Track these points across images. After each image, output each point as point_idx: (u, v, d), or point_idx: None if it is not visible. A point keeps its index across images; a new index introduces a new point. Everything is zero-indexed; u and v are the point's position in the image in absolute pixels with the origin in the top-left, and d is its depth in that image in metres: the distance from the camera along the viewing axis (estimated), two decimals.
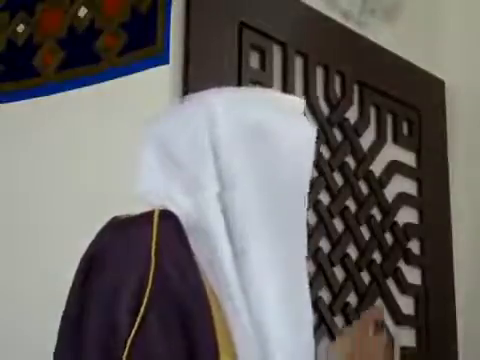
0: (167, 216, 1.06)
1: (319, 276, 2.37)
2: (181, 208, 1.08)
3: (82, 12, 2.21)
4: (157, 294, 0.98)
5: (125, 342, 0.96)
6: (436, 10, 3.01)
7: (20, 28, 2.30)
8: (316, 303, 2.35)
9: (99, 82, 2.12)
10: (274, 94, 1.30)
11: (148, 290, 0.98)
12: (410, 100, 2.82)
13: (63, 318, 1.04)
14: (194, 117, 1.16)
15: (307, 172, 1.16)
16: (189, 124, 1.14)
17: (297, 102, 1.24)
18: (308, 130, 1.17)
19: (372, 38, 2.69)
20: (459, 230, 2.85)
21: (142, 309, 0.96)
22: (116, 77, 2.10)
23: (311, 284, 2.31)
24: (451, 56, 2.97)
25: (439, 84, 2.94)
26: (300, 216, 1.15)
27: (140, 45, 2.09)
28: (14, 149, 2.24)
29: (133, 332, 0.96)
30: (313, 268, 2.37)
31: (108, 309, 0.99)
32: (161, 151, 1.14)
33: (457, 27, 2.99)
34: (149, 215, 1.05)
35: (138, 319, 0.96)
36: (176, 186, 1.10)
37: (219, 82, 2.17)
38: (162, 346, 0.97)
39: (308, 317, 1.10)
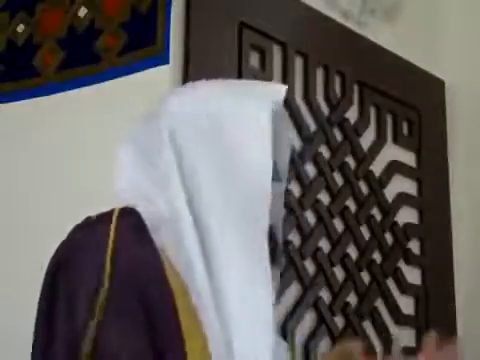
0: (127, 214, 1.09)
1: (319, 276, 2.37)
2: (155, 205, 1.11)
3: (82, 12, 2.21)
4: (115, 293, 1.00)
5: (87, 342, 0.99)
6: (436, 10, 3.01)
7: (20, 28, 2.30)
8: (316, 303, 2.35)
9: (99, 82, 2.12)
10: (245, 83, 1.30)
11: (106, 289, 1.00)
12: (410, 100, 2.82)
13: (36, 319, 1.07)
14: (155, 114, 1.19)
15: (266, 160, 1.12)
16: (155, 123, 1.17)
17: (271, 89, 1.22)
18: (263, 116, 1.13)
19: (372, 38, 2.69)
20: (459, 230, 2.85)
21: (99, 309, 0.99)
22: (116, 77, 2.10)
23: (311, 284, 2.33)
24: (451, 56, 2.97)
25: (439, 84, 2.94)
26: (263, 205, 1.10)
27: (140, 45, 2.09)
28: (14, 149, 2.24)
29: (94, 332, 0.98)
30: (313, 268, 2.37)
31: (71, 311, 1.01)
32: (136, 149, 1.17)
33: (457, 27, 2.99)
34: (110, 214, 1.09)
35: (96, 319, 0.98)
36: (150, 183, 1.13)
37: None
38: (125, 344, 0.98)
39: (268, 317, 1.09)
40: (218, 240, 1.09)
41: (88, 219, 1.13)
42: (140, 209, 1.11)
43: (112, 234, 1.05)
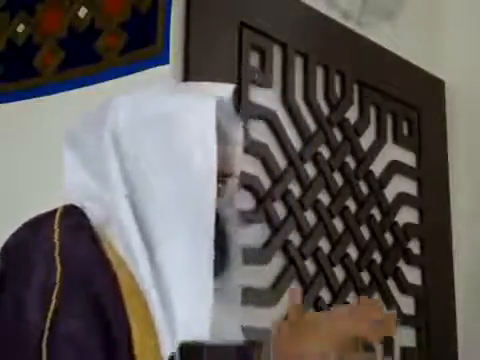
0: (69, 212, 1.15)
1: (319, 276, 2.37)
2: (100, 204, 1.16)
3: (82, 12, 2.21)
4: (66, 291, 1.05)
5: (40, 342, 1.02)
6: (436, 10, 3.01)
7: (20, 28, 2.30)
8: (316, 303, 2.35)
9: (99, 82, 2.12)
10: (191, 85, 1.35)
11: (57, 288, 1.05)
12: (410, 100, 2.82)
13: None
14: (99, 115, 1.22)
15: (210, 159, 1.16)
16: (95, 122, 1.22)
17: (216, 88, 1.26)
18: (207, 115, 1.17)
19: (372, 38, 2.69)
20: (459, 230, 2.85)
21: (52, 308, 1.03)
22: (116, 77, 2.10)
23: (311, 284, 2.33)
24: (451, 56, 2.97)
25: (439, 84, 2.95)
26: (207, 199, 1.15)
27: (140, 45, 2.09)
28: (14, 149, 2.24)
29: (47, 332, 1.02)
30: (313, 268, 2.37)
31: (17, 311, 1.05)
32: (81, 152, 1.23)
33: (457, 27, 2.99)
34: (53, 213, 1.15)
35: (49, 318, 1.03)
36: (94, 183, 1.18)
37: (219, 82, 2.17)
38: (78, 332, 1.04)
39: (208, 292, 1.15)
40: (162, 234, 1.14)
41: (34, 218, 1.18)
42: (86, 208, 1.17)
43: (56, 233, 1.10)
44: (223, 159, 1.20)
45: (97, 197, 1.17)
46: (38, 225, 1.15)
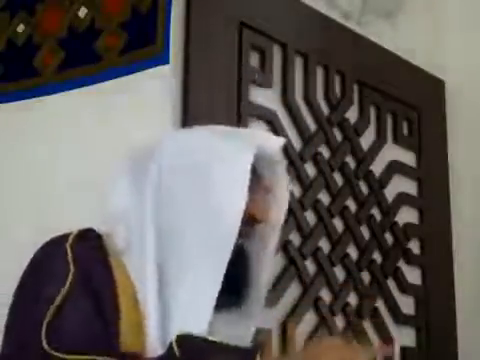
0: (84, 236, 1.29)
1: (319, 276, 2.37)
2: (128, 230, 1.29)
3: (82, 12, 2.21)
4: (74, 290, 1.21)
5: (42, 324, 1.19)
6: (436, 10, 3.01)
7: (20, 28, 2.30)
8: (316, 303, 2.35)
9: (99, 82, 2.12)
10: (235, 132, 1.42)
11: (66, 288, 1.21)
12: (410, 100, 2.82)
13: (10, 305, 1.28)
14: (150, 148, 1.34)
15: (238, 201, 1.26)
16: (145, 153, 1.34)
17: (258, 135, 1.40)
18: (242, 167, 1.27)
19: (372, 38, 2.69)
20: (459, 230, 2.85)
21: (59, 298, 1.20)
22: (116, 77, 2.10)
23: (311, 284, 2.33)
24: (451, 56, 2.97)
25: (439, 84, 2.95)
26: (227, 241, 1.25)
27: (140, 45, 2.09)
28: (14, 149, 2.24)
29: (50, 316, 1.19)
30: (313, 268, 2.37)
31: (36, 298, 1.23)
32: (130, 180, 1.33)
33: (457, 27, 2.99)
34: (68, 236, 1.29)
35: (55, 306, 1.20)
36: (131, 210, 1.30)
37: (219, 82, 2.17)
38: (78, 328, 1.19)
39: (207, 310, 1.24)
40: (177, 273, 1.26)
41: (53, 237, 1.32)
42: (110, 232, 1.31)
43: (69, 251, 1.25)
44: (256, 204, 1.30)
45: (128, 223, 1.29)
46: (58, 244, 1.28)
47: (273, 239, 1.39)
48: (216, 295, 1.23)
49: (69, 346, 1.15)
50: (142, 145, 1.36)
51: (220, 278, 1.23)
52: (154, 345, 1.22)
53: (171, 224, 1.26)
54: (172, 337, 1.17)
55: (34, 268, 1.28)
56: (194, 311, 1.23)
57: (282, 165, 1.39)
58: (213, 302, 1.23)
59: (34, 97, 2.22)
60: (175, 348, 1.14)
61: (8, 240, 2.16)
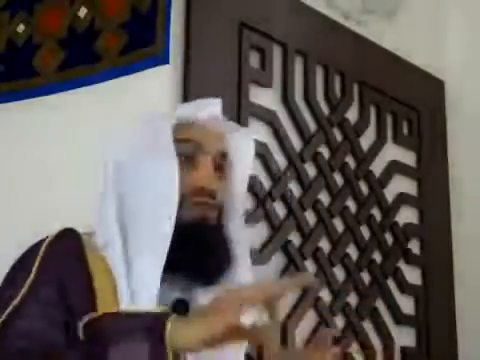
0: (62, 234, 1.34)
1: (319, 276, 2.37)
2: (107, 229, 1.35)
3: (82, 12, 2.21)
4: (36, 278, 1.27)
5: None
6: (436, 10, 3.01)
7: (20, 28, 2.30)
8: (316, 303, 2.35)
9: (99, 82, 2.12)
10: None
11: (30, 280, 1.27)
12: (410, 100, 2.82)
13: None
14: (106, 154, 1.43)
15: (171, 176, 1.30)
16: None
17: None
18: (162, 140, 1.33)
19: (372, 38, 2.69)
20: (459, 230, 2.85)
21: (20, 294, 1.25)
22: (116, 77, 2.10)
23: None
24: (451, 56, 2.97)
25: (439, 84, 2.95)
26: (165, 211, 1.30)
27: (140, 45, 2.09)
28: (14, 148, 2.23)
29: (11, 308, 1.24)
30: (313, 268, 2.37)
31: (9, 285, 1.31)
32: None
33: (457, 27, 2.99)
34: (48, 236, 1.35)
35: (17, 300, 1.25)
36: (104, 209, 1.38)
37: (219, 82, 2.17)
38: (37, 321, 1.23)
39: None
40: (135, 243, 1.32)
41: (40, 239, 1.37)
42: (97, 232, 1.36)
43: (44, 247, 1.31)
44: (201, 174, 1.33)
45: (104, 221, 1.35)
46: (39, 242, 1.34)
47: (238, 202, 1.40)
48: (159, 267, 1.26)
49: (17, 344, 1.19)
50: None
51: (162, 248, 1.26)
52: None
53: (129, 216, 1.32)
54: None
55: (11, 268, 1.34)
56: (144, 288, 1.27)
57: (237, 127, 1.43)
58: (157, 277, 1.26)
59: (34, 97, 2.22)
60: (80, 332, 1.16)
61: (10, 240, 2.16)
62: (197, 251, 1.29)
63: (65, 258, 1.30)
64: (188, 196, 1.31)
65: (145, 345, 1.08)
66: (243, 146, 1.42)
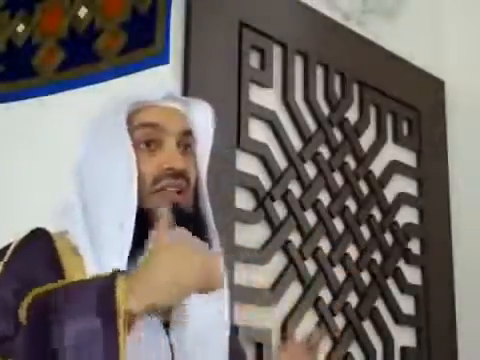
0: (33, 234, 1.29)
1: (319, 276, 2.37)
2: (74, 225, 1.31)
3: (82, 12, 2.21)
4: (5, 270, 1.22)
5: None
6: (436, 10, 3.01)
7: (20, 28, 2.31)
8: (316, 303, 2.35)
9: (99, 82, 2.12)
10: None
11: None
12: (410, 100, 2.82)
13: None
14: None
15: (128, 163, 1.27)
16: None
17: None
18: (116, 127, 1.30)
19: (372, 38, 2.69)
20: (459, 230, 2.85)
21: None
22: (116, 77, 2.10)
23: (311, 284, 2.33)
24: (451, 56, 2.97)
25: (439, 84, 2.95)
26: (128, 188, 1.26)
27: (140, 45, 2.09)
28: (14, 148, 2.24)
29: None
30: (313, 268, 2.37)
31: None
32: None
33: (457, 27, 2.99)
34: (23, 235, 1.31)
35: None
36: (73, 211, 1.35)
37: (219, 82, 2.17)
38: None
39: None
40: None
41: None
42: (69, 230, 1.31)
43: (13, 245, 1.26)
44: (164, 155, 1.28)
45: (74, 221, 1.32)
46: (5, 247, 1.28)
47: (203, 179, 1.35)
48: (127, 241, 1.22)
49: None
50: None
51: (127, 244, 1.22)
52: None
53: (93, 210, 1.29)
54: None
55: None
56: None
57: (194, 102, 1.38)
58: (125, 250, 1.22)
59: (34, 97, 2.22)
60: (22, 315, 1.11)
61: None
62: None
63: (33, 263, 1.23)
64: (153, 183, 1.25)
65: (97, 321, 1.05)
66: (203, 120, 1.35)
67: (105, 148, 1.29)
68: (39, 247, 1.26)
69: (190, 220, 1.25)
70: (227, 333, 1.31)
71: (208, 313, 1.28)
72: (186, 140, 1.30)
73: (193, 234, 1.15)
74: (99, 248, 1.24)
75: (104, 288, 1.07)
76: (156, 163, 1.26)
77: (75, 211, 1.31)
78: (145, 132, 1.27)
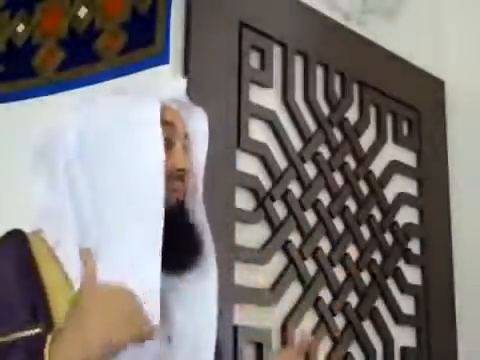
0: (8, 236, 1.24)
1: (319, 276, 2.37)
2: (57, 226, 1.24)
3: (82, 12, 2.21)
4: None
5: None
6: (436, 10, 3.01)
7: (20, 28, 2.31)
8: (316, 303, 2.35)
9: (99, 82, 2.12)
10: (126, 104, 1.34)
11: None
12: (410, 100, 2.82)
13: None
14: (55, 149, 1.29)
15: (157, 164, 1.21)
16: (52, 155, 1.28)
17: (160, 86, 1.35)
18: (151, 121, 1.23)
19: (372, 38, 2.69)
20: (459, 230, 2.85)
21: None
22: (116, 77, 2.10)
23: (311, 284, 2.33)
24: (451, 56, 2.97)
25: (439, 84, 2.95)
26: (156, 199, 1.20)
27: (140, 45, 2.10)
28: (14, 149, 2.24)
29: None
30: (313, 268, 2.37)
31: None
32: (43, 180, 1.29)
33: (457, 27, 2.99)
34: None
35: None
36: (53, 209, 1.26)
37: (219, 82, 2.17)
38: None
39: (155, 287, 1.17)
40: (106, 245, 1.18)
41: None
42: (46, 227, 1.24)
43: None
44: (174, 154, 1.26)
45: (52, 221, 1.24)
46: None
47: (199, 183, 1.33)
48: (159, 258, 1.16)
49: None
50: (41, 138, 1.33)
51: (159, 238, 1.17)
52: None
53: (94, 205, 1.21)
54: None
55: None
56: (140, 281, 1.13)
57: (191, 106, 1.35)
58: (158, 264, 1.16)
59: (34, 97, 2.22)
60: None
61: None
62: (173, 238, 1.21)
63: (8, 267, 1.17)
64: (165, 182, 1.21)
65: None
66: (200, 125, 1.35)
67: (133, 128, 1.23)
68: (11, 257, 1.19)
69: (187, 218, 1.26)
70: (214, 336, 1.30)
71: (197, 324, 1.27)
72: (186, 144, 1.31)
73: (186, 235, 1.18)
74: (110, 253, 1.17)
75: (33, 350, 1.03)
76: (169, 163, 1.24)
77: (64, 214, 1.24)
78: (164, 129, 1.24)
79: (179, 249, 1.23)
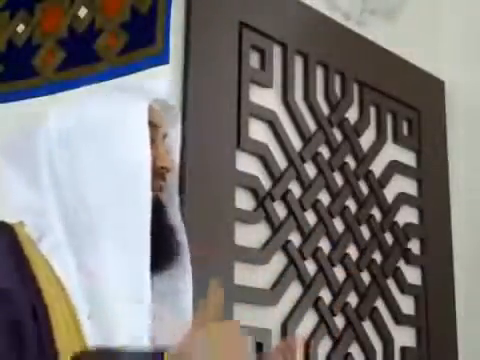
0: None
1: (319, 276, 2.37)
2: (40, 220, 1.23)
3: (82, 12, 2.21)
4: None
5: None
6: (436, 10, 3.01)
7: (20, 28, 2.31)
8: (316, 303, 2.35)
9: (99, 82, 2.12)
10: (122, 87, 1.35)
11: None
12: (410, 100, 2.82)
13: None
14: (35, 137, 1.27)
15: (143, 159, 1.22)
16: (32, 143, 1.27)
17: (148, 87, 1.32)
18: (140, 119, 1.23)
19: (372, 38, 2.69)
20: (459, 230, 2.85)
21: None
22: (116, 77, 2.10)
23: (311, 284, 2.33)
24: (451, 56, 2.97)
25: (439, 84, 2.95)
26: (143, 198, 1.20)
27: (140, 45, 2.10)
28: None
29: None
30: (313, 268, 2.37)
31: None
32: (19, 170, 1.28)
33: (457, 27, 2.99)
34: None
35: None
36: (35, 201, 1.24)
37: (219, 82, 2.17)
38: None
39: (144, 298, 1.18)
40: (94, 243, 1.18)
41: None
42: (27, 223, 1.22)
43: None
44: (159, 153, 1.27)
45: (36, 214, 1.22)
46: None
47: (175, 183, 1.35)
48: (148, 257, 1.17)
49: None
50: (12, 135, 1.32)
51: (147, 236, 1.17)
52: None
53: (78, 199, 1.20)
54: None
55: None
56: (129, 282, 1.16)
57: (169, 106, 1.37)
58: (147, 265, 1.17)
59: (34, 97, 2.22)
60: None
61: None
62: (154, 237, 1.21)
63: (5, 264, 1.15)
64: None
65: None
66: (175, 125, 1.37)
67: (119, 125, 1.23)
68: (3, 243, 1.19)
69: (166, 217, 1.27)
70: None
71: None
72: (167, 143, 1.33)
73: (165, 234, 1.19)
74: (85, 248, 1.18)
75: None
76: (153, 161, 1.24)
77: (47, 209, 1.22)
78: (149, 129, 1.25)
79: (158, 249, 1.23)
